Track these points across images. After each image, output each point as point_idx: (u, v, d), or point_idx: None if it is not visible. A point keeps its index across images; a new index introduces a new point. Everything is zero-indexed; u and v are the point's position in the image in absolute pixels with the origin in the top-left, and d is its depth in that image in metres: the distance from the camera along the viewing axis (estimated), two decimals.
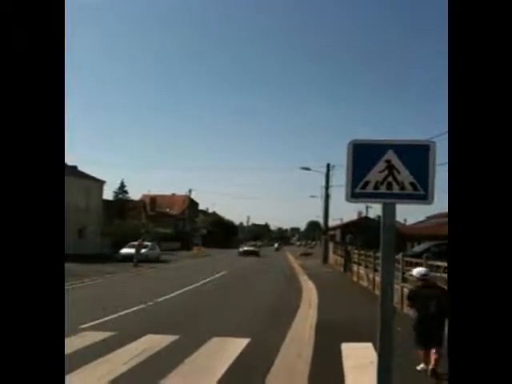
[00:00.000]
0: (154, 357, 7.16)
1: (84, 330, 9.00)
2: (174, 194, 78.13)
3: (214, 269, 26.97)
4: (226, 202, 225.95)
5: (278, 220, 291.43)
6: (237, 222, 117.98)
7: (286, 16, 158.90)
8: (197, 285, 18.46)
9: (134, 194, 65.97)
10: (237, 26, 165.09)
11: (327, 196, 37.44)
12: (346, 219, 63.92)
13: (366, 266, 19.32)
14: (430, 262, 11.14)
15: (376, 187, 3.55)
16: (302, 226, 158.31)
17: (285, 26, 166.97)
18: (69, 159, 39.94)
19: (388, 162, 3.54)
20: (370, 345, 7.38)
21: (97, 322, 9.83)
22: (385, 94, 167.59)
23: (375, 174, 3.55)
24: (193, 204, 77.26)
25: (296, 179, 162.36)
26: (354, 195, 3.60)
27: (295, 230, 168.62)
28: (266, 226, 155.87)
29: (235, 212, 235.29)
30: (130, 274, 22.92)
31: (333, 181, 37.24)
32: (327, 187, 37.22)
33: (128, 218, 50.62)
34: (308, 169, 38.86)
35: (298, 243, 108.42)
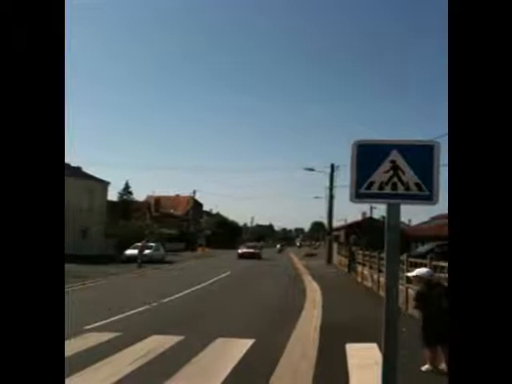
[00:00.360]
0: (159, 358, 7.17)
1: (88, 330, 9.02)
2: (178, 195, 78.21)
3: (218, 269, 26.98)
4: (230, 203, 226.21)
5: (282, 221, 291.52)
6: (241, 222, 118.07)
7: (286, 15, 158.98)
8: (201, 285, 18.47)
9: (139, 195, 66.05)
10: (237, 26, 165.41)
11: (331, 196, 37.39)
12: (351, 220, 63.87)
13: (371, 267, 19.28)
14: (435, 263, 11.10)
15: (381, 187, 3.54)
16: (307, 227, 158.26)
17: (285, 26, 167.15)
18: (73, 160, 40.12)
19: (393, 162, 3.54)
20: (374, 345, 7.37)
21: (101, 322, 9.85)
22: (387, 93, 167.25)
23: (380, 174, 3.55)
24: (197, 205, 77.32)
25: (300, 180, 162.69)
26: (358, 196, 3.60)
27: (299, 231, 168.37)
28: (270, 227, 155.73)
29: (239, 213, 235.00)
30: (134, 275, 22.95)
31: (337, 181, 37.25)
32: (331, 188, 37.18)
33: (132, 218, 50.70)
34: (312, 169, 38.85)
35: (298, 244, 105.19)
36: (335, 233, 48.11)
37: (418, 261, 12.85)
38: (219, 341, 8.32)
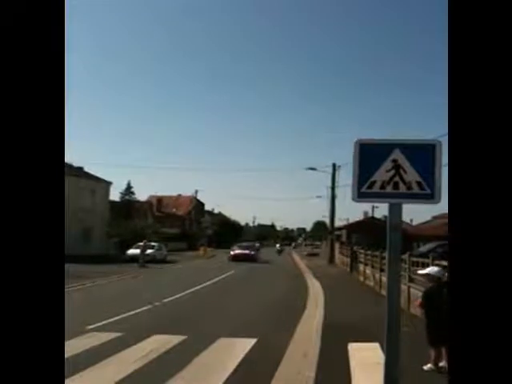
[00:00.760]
0: (161, 357, 7.17)
1: (91, 330, 9.03)
2: (180, 195, 78.28)
3: (220, 269, 27.00)
4: (232, 203, 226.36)
5: (284, 220, 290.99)
6: (242, 222, 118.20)
7: (287, 15, 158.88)
8: (203, 285, 18.48)
9: (141, 195, 66.08)
10: (237, 25, 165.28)
11: (333, 196, 37.40)
12: (353, 219, 63.78)
13: (373, 266, 19.28)
14: (437, 262, 11.09)
15: (382, 187, 3.54)
16: (309, 226, 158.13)
17: (286, 25, 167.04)
18: (75, 160, 40.19)
19: (395, 161, 3.54)
20: (377, 345, 7.36)
21: (104, 322, 9.86)
22: (388, 93, 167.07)
23: (382, 173, 3.54)
24: (199, 204, 77.42)
25: (302, 179, 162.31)
26: (360, 195, 3.60)
27: (301, 230, 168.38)
28: (272, 227, 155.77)
29: (241, 212, 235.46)
30: (136, 275, 22.96)
31: (339, 181, 37.22)
32: (333, 187, 37.17)
33: (134, 218, 50.76)
34: (314, 169, 38.84)
35: (293, 244, 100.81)
36: (337, 232, 48.01)
37: (420, 260, 12.84)
38: (222, 340, 8.33)
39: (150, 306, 12.34)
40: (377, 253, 18.27)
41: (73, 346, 7.23)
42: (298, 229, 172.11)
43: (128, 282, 20.14)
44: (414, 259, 13.44)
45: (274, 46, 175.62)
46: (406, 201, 3.54)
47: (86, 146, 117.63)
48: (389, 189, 3.53)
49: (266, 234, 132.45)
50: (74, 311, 10.08)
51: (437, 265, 10.74)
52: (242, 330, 9.32)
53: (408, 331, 7.62)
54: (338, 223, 48.33)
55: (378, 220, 50.12)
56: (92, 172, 42.26)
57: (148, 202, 68.15)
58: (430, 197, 3.52)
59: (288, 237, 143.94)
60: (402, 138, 3.66)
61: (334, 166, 37.00)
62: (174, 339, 8.35)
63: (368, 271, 20.04)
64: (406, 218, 58.12)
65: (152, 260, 31.32)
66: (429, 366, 6.35)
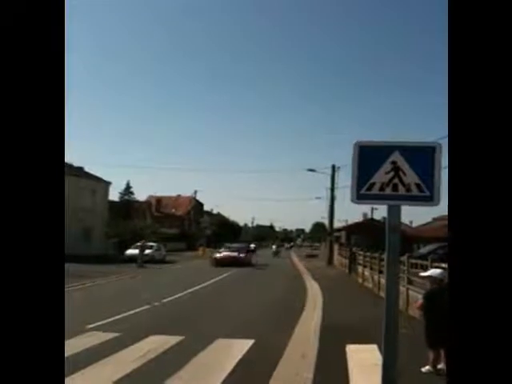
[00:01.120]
0: (159, 357, 7.17)
1: (90, 330, 9.03)
2: (179, 195, 78.28)
3: (219, 270, 26.99)
4: (231, 203, 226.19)
5: (283, 221, 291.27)
6: (241, 222, 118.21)
7: (287, 15, 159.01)
8: (202, 285, 18.48)
9: (140, 195, 66.07)
10: (237, 25, 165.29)
11: (332, 198, 37.40)
12: (352, 221, 63.79)
13: (372, 268, 19.28)
14: (436, 264, 11.09)
15: (381, 189, 3.55)
16: (308, 228, 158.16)
17: (286, 25, 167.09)
18: (75, 160, 40.18)
19: (394, 163, 3.54)
20: (375, 346, 7.36)
21: (102, 322, 9.86)
22: (388, 93, 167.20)
23: (381, 175, 3.55)
24: (198, 205, 77.41)
25: (301, 180, 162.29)
26: (359, 197, 3.61)
27: (300, 231, 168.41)
28: (271, 227, 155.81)
29: (240, 213, 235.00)
30: (134, 275, 22.96)
31: (338, 182, 37.22)
32: (332, 189, 37.17)
33: (134, 218, 50.77)
34: (313, 170, 38.83)
35: (288, 245, 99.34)
36: (336, 234, 48.03)
37: (419, 262, 12.85)
38: (219, 341, 8.33)
39: (148, 306, 12.34)
40: (376, 254, 18.26)
41: (73, 345, 7.24)
42: (297, 230, 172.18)
43: (126, 282, 20.14)
44: (413, 261, 13.44)
45: (274, 45, 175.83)
46: (404, 203, 3.55)
47: (86, 146, 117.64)
48: (388, 191, 3.54)
49: (264, 234, 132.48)
50: (74, 310, 10.08)
51: (436, 267, 10.76)
52: (240, 331, 9.32)
53: (406, 333, 7.62)
54: (337, 224, 48.42)
55: (378, 221, 50.19)
56: (92, 172, 42.31)
57: (147, 202, 68.16)
58: (429, 199, 3.52)
59: (287, 238, 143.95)
60: (403, 138, 3.67)
61: (333, 167, 37.00)
62: (172, 339, 8.35)
63: (367, 273, 20.03)
64: (405, 219, 58.23)
65: (151, 260, 31.32)
66: (427, 368, 6.35)
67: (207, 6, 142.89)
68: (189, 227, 73.05)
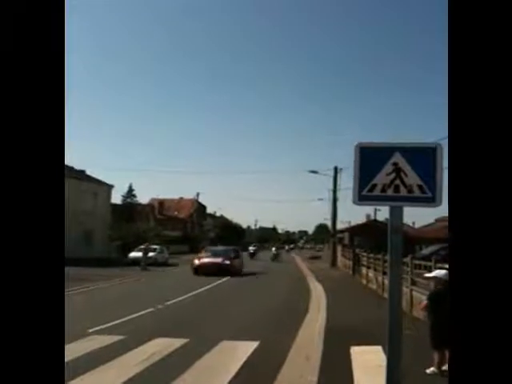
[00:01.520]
0: (163, 360, 7.16)
1: (93, 333, 9.03)
2: (181, 198, 78.28)
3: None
4: (234, 205, 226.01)
5: (286, 223, 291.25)
6: (244, 225, 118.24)
7: (287, 15, 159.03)
8: (205, 288, 18.47)
9: (143, 198, 66.11)
10: (237, 25, 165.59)
11: (335, 199, 37.37)
12: (355, 222, 63.66)
13: (375, 269, 19.25)
14: (439, 265, 11.06)
15: (383, 190, 3.55)
16: (311, 229, 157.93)
17: (286, 25, 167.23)
18: (77, 163, 40.24)
19: (395, 164, 3.54)
20: (379, 348, 7.35)
21: (106, 325, 9.85)
22: (388, 93, 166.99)
23: (382, 176, 3.55)
24: (200, 207, 77.48)
25: (304, 182, 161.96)
26: (361, 198, 3.61)
27: (303, 233, 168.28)
28: (274, 229, 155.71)
29: (243, 215, 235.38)
30: (138, 278, 22.99)
31: (341, 184, 37.20)
32: (335, 190, 37.14)
33: (136, 221, 50.80)
34: (316, 172, 38.82)
35: (287, 247, 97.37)
36: (339, 235, 47.92)
37: (422, 263, 12.82)
38: (224, 343, 8.32)
39: (152, 309, 12.34)
40: (379, 255, 18.23)
41: (74, 350, 7.23)
42: (300, 232, 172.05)
43: (130, 285, 20.14)
44: (417, 262, 13.41)
45: (274, 45, 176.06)
46: (406, 204, 3.55)
47: (86, 147, 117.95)
48: (390, 192, 3.54)
49: (267, 236, 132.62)
50: (76, 314, 10.09)
51: (440, 268, 10.74)
52: (244, 333, 9.31)
53: (410, 334, 7.60)
54: (340, 226, 48.34)
55: (381, 223, 50.03)
56: (94, 175, 42.37)
57: (150, 205, 68.17)
58: (431, 200, 3.52)
59: (289, 239, 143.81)
60: (403, 139, 3.69)
61: (335, 169, 37.01)
62: (177, 342, 8.35)
63: (371, 274, 20.00)
64: (407, 220, 58.12)
65: (154, 263, 31.37)
66: (432, 369, 6.33)
67: (207, 6, 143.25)
68: (191, 230, 73.07)
